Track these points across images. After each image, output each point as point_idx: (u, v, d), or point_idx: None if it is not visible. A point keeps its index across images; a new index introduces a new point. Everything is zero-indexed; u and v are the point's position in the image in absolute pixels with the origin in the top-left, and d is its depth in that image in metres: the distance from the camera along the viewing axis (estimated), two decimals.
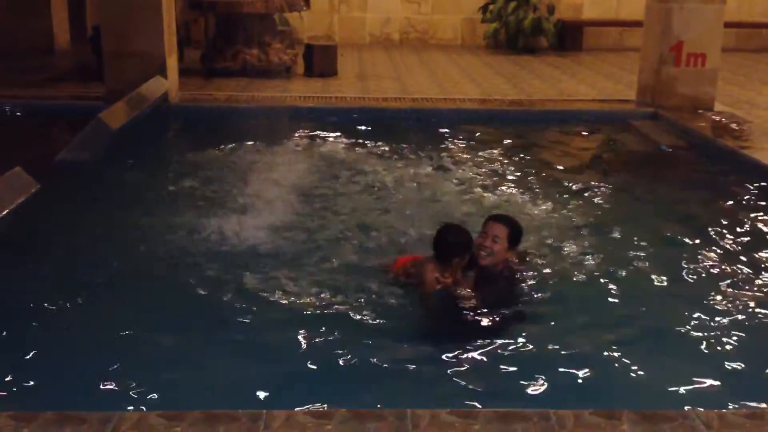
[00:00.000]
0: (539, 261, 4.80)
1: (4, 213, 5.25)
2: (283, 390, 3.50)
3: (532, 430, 2.86)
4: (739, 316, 4.28)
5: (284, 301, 4.30)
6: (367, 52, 14.76)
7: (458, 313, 4.08)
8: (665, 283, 4.70)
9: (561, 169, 7.31)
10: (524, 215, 5.68)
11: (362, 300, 4.30)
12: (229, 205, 5.89)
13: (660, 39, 9.39)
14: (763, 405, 3.39)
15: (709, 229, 5.63)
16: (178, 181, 6.60)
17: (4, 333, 3.92)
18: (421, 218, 5.60)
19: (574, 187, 6.66)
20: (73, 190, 6.22)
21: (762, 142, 7.95)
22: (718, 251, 5.22)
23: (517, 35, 14.71)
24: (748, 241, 5.43)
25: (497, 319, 4.10)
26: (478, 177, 6.84)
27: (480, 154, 7.63)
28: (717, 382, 3.65)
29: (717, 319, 4.25)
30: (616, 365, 3.79)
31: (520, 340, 3.96)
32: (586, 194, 6.44)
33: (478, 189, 6.49)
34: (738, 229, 5.64)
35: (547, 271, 4.74)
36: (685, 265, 4.94)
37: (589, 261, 4.97)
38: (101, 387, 3.46)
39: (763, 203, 6.22)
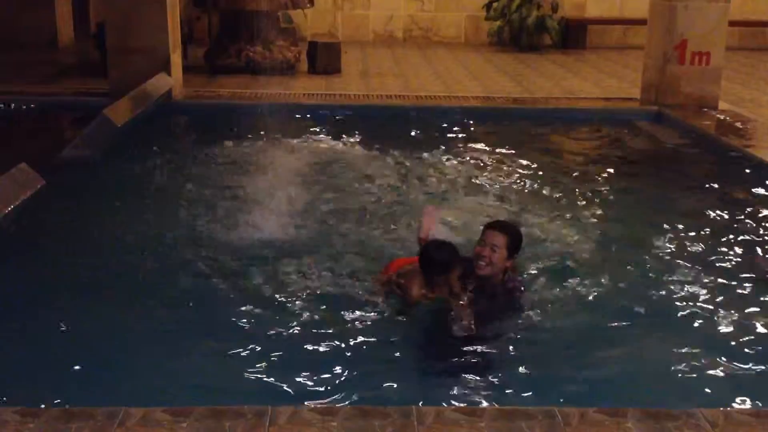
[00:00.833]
0: (539, 265, 4.76)
1: (10, 208, 5.26)
2: (288, 387, 3.50)
3: (537, 427, 2.86)
4: (746, 315, 4.28)
5: (290, 298, 4.30)
6: (370, 49, 14.75)
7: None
8: (669, 282, 4.69)
9: (564, 168, 7.31)
10: (526, 213, 5.68)
11: (368, 297, 4.30)
12: (232, 202, 5.90)
13: (664, 37, 9.38)
14: None
15: (714, 227, 5.63)
16: (181, 177, 6.60)
17: (9, 328, 3.92)
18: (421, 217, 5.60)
19: (577, 185, 6.66)
20: (77, 186, 6.23)
21: (766, 140, 7.94)
22: (724, 250, 5.22)
23: (521, 33, 14.68)
24: (753, 240, 5.42)
25: (499, 323, 4.08)
26: (481, 175, 6.83)
27: (483, 152, 7.62)
28: (723, 381, 3.64)
29: (723, 317, 4.25)
30: (621, 363, 3.79)
31: (525, 337, 3.96)
32: (589, 193, 6.43)
33: (481, 187, 6.49)
34: (743, 228, 5.63)
35: (550, 269, 4.73)
36: (690, 264, 4.94)
37: (593, 259, 4.97)
38: (107, 383, 3.47)
39: None
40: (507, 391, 3.53)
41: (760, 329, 4.15)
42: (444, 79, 11.69)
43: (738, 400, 3.39)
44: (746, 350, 3.92)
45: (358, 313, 4.14)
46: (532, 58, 13.90)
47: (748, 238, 5.46)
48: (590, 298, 4.45)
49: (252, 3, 11.36)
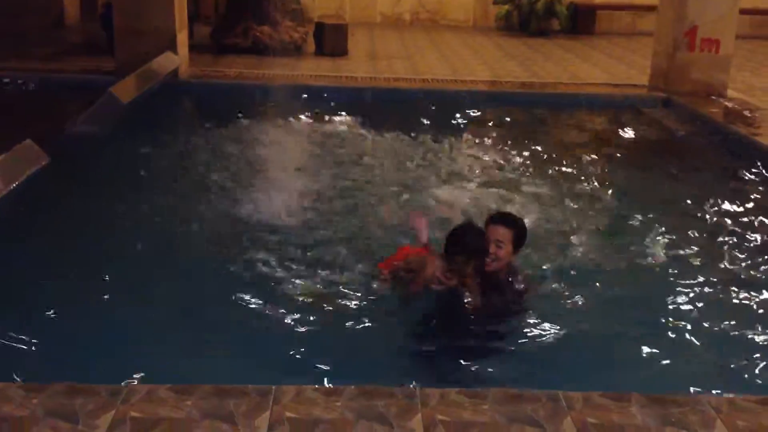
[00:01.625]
0: (543, 252, 4.72)
1: (15, 184, 5.26)
2: (292, 366, 3.50)
3: (541, 410, 2.85)
4: (752, 302, 4.27)
5: (296, 280, 4.29)
6: (377, 31, 14.69)
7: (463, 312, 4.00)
8: (676, 269, 4.68)
9: (570, 153, 7.28)
10: (531, 200, 5.66)
11: (374, 281, 4.28)
12: (236, 182, 5.89)
13: (674, 24, 9.31)
14: None
15: (721, 215, 5.61)
16: (185, 155, 6.60)
17: (14, 305, 3.92)
18: (427, 203, 5.58)
19: (583, 171, 6.63)
20: (83, 162, 6.22)
21: None
22: (730, 237, 5.20)
23: (530, 18, 14.61)
24: (760, 227, 5.40)
25: (504, 307, 4.06)
26: (488, 159, 6.81)
27: (490, 136, 7.59)
28: (728, 368, 3.63)
29: (729, 304, 4.24)
30: (627, 349, 3.78)
31: (530, 322, 3.95)
32: (595, 180, 6.40)
33: (487, 172, 6.47)
34: (750, 216, 5.61)
35: (557, 254, 4.72)
36: (696, 251, 4.92)
37: (599, 245, 4.95)
38: (112, 359, 3.46)
39: None
40: (511, 374, 3.52)
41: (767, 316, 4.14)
42: (451, 62, 11.64)
43: (743, 387, 3.38)
44: (753, 337, 3.91)
45: (363, 295, 4.13)
46: (540, 42, 13.83)
47: (755, 225, 5.44)
48: (596, 283, 4.43)
49: None
